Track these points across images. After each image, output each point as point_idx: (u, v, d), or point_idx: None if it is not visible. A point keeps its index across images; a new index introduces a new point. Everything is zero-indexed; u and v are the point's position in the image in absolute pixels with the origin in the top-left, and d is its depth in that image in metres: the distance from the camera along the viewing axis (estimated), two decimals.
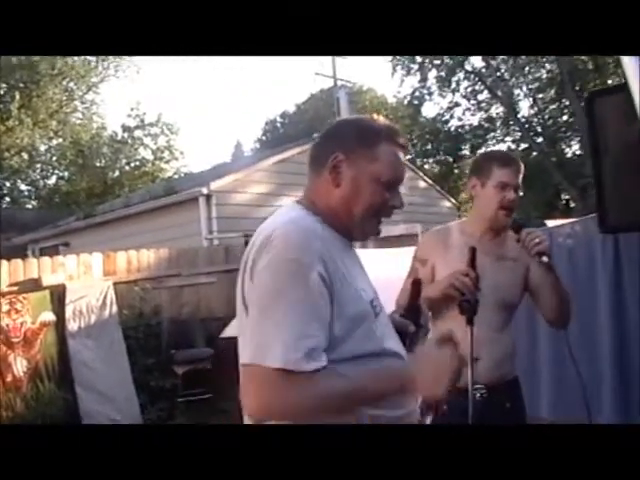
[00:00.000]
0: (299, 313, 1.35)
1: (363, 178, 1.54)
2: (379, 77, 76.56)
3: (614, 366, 3.73)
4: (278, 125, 38.10)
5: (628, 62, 1.33)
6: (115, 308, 6.40)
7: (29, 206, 25.58)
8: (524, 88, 23.46)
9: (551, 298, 2.50)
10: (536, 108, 23.38)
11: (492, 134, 25.17)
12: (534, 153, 22.21)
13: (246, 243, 6.34)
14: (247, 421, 1.45)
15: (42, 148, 23.47)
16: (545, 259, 2.35)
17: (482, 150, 25.08)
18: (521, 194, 2.57)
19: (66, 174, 24.57)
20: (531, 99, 23.37)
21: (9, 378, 5.52)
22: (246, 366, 1.37)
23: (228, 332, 6.84)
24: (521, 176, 2.56)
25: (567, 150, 22.96)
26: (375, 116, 1.64)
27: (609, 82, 19.28)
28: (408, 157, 22.70)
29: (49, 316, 5.87)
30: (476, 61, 23.45)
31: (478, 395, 2.34)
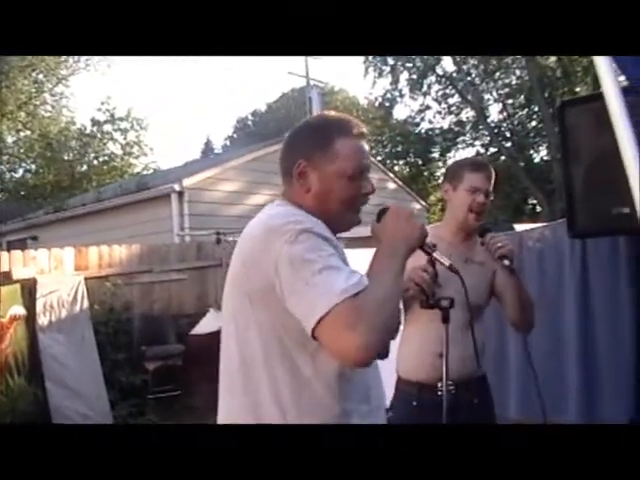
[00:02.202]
0: (334, 260, 1.41)
1: (329, 178, 1.59)
2: (351, 78, 76.68)
3: (580, 368, 3.83)
4: (249, 123, 38.00)
5: (601, 62, 1.39)
6: (86, 303, 6.36)
7: None
8: (494, 93, 23.78)
9: (514, 302, 2.57)
10: (505, 113, 23.70)
11: (462, 138, 25.45)
12: (502, 158, 22.49)
13: (218, 241, 6.36)
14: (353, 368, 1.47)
15: (9, 140, 23.06)
16: (507, 262, 2.44)
17: (452, 153, 25.40)
18: (492, 199, 2.66)
19: (33, 167, 24.17)
20: (501, 104, 23.69)
21: None
22: (322, 322, 1.33)
23: (199, 329, 6.86)
24: (492, 182, 2.65)
25: (535, 155, 23.33)
26: (326, 112, 1.71)
27: (577, 89, 19.64)
28: (379, 158, 22.83)
29: (19, 310, 5.79)
30: (447, 65, 23.71)
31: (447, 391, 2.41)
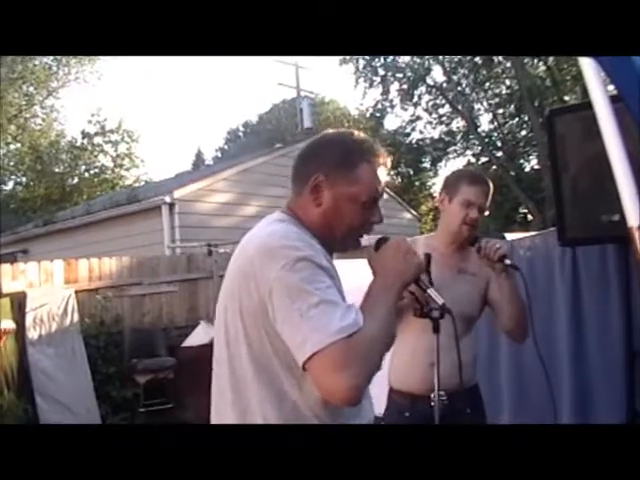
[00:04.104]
0: (331, 294, 1.39)
1: (343, 199, 1.58)
2: (342, 89, 76.99)
3: (572, 376, 3.83)
4: (240, 135, 38.04)
5: (587, 64, 1.38)
6: (76, 316, 6.34)
7: None
8: (484, 103, 23.88)
9: (510, 307, 2.56)
10: (496, 123, 23.81)
11: (452, 147, 25.55)
12: (493, 167, 22.58)
13: (209, 252, 6.34)
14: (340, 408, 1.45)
15: None
16: (508, 261, 2.46)
17: (442, 163, 25.49)
18: (486, 214, 2.66)
19: (24, 180, 24.11)
20: (491, 114, 23.80)
21: None
22: (314, 357, 1.32)
23: (190, 341, 6.84)
24: (488, 197, 2.64)
25: (525, 164, 23.43)
26: (356, 133, 1.67)
27: (566, 98, 19.76)
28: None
29: (9, 324, 5.77)
30: (438, 75, 23.83)
31: (440, 402, 2.41)
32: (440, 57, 21.46)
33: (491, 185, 2.67)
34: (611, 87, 1.51)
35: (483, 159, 24.25)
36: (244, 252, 1.52)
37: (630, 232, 1.28)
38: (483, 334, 4.00)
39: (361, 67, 24.12)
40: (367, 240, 1.63)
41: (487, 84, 23.23)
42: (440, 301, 1.69)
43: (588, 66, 1.36)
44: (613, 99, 1.43)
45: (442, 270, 2.41)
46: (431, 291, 1.68)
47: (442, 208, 2.70)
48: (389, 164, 1.66)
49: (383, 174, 1.64)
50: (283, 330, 1.39)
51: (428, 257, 1.81)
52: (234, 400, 1.50)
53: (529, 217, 21.75)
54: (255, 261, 1.45)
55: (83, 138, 24.69)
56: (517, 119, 23.19)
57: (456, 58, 21.67)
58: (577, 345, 3.85)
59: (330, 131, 1.74)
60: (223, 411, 1.54)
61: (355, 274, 1.77)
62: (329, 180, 1.58)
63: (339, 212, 1.58)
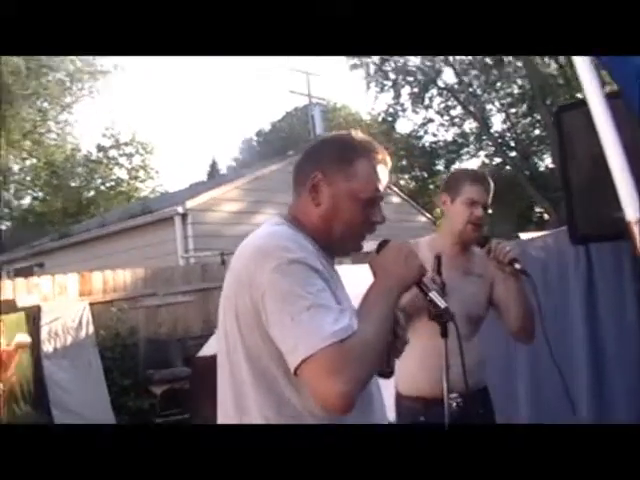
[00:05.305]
0: (324, 298, 1.37)
1: (342, 197, 1.55)
2: (353, 94, 77.09)
3: (588, 376, 3.77)
4: (254, 144, 38.14)
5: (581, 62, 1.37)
6: (91, 329, 6.36)
7: (2, 227, 25.28)
8: (496, 103, 23.78)
9: (518, 309, 2.55)
10: (508, 123, 23.69)
11: (466, 149, 25.44)
12: (507, 167, 22.46)
13: (223, 262, 6.37)
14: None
15: (15, 168, 23.24)
16: (518, 265, 2.43)
17: (456, 165, 25.37)
18: (490, 212, 2.64)
19: (40, 194, 24.32)
20: (503, 114, 23.69)
21: None
22: (306, 362, 1.30)
23: (205, 351, 6.83)
24: (491, 194, 2.62)
25: (540, 163, 23.28)
26: (353, 132, 1.65)
27: (579, 96, 19.61)
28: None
29: (24, 338, 5.78)
30: (449, 77, 23.77)
31: (454, 404, 2.38)
32: (450, 59, 21.41)
33: (492, 182, 2.64)
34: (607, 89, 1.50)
35: (497, 159, 24.13)
36: (239, 257, 1.51)
37: (629, 227, 1.25)
38: (500, 334, 3.96)
39: (372, 72, 24.12)
40: (370, 246, 1.60)
41: (498, 84, 23.12)
42: (442, 305, 1.65)
43: (582, 63, 1.34)
44: (609, 96, 1.41)
45: (448, 272, 2.39)
46: (433, 295, 1.64)
47: (445, 209, 2.68)
48: (389, 162, 1.63)
49: (383, 172, 1.61)
50: (275, 334, 1.37)
51: (439, 258, 1.76)
52: (236, 405, 1.48)
53: (545, 216, 21.59)
54: (249, 265, 1.43)
55: (98, 151, 24.91)
56: (530, 118, 23.04)
57: (467, 60, 21.61)
58: (593, 345, 3.79)
59: (331, 134, 1.72)
60: (226, 417, 1.52)
61: (363, 279, 1.74)
62: (327, 178, 1.56)
63: (338, 210, 1.56)
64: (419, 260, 1.56)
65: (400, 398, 2.65)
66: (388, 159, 1.63)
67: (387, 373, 1.67)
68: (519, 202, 21.41)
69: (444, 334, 2.15)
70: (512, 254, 2.43)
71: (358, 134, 1.64)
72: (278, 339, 1.37)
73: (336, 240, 1.58)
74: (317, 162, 1.59)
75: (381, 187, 1.60)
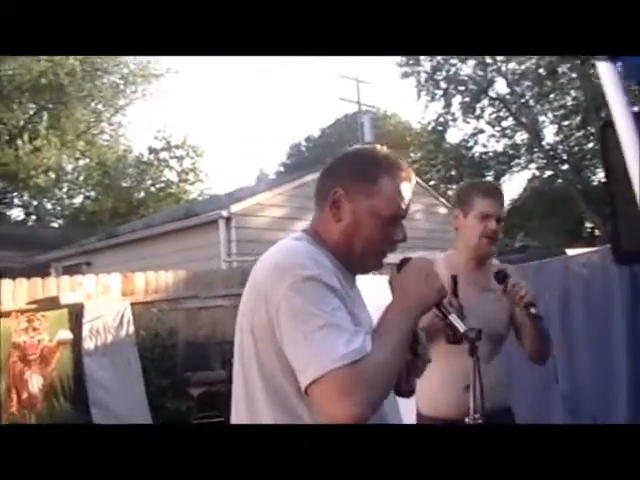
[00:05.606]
0: (338, 317, 1.35)
1: (363, 213, 1.52)
2: (404, 102, 76.90)
3: (630, 396, 3.66)
4: (303, 149, 38.29)
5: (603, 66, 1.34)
6: (132, 329, 6.44)
7: (55, 225, 25.91)
8: (549, 115, 23.36)
9: (533, 340, 2.51)
10: (561, 135, 23.24)
11: (516, 161, 25.02)
12: (559, 180, 22.05)
13: None
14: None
15: (69, 168, 23.81)
16: (534, 310, 2.36)
17: (506, 177, 25.02)
18: (502, 224, 2.59)
19: (92, 194, 24.86)
20: (556, 126, 23.26)
21: (25, 395, 5.56)
22: (316, 383, 1.29)
23: None
24: (504, 207, 2.59)
25: (592, 177, 22.75)
26: (378, 147, 1.62)
27: (635, 109, 19.13)
28: (431, 183, 22.71)
29: (66, 334, 5.91)
30: (501, 87, 23.46)
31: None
32: (503, 69, 21.15)
33: (504, 193, 2.59)
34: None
35: (548, 172, 23.70)
36: (257, 272, 1.49)
37: None
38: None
39: (423, 80, 24.00)
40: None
41: (552, 95, 22.71)
42: (462, 328, 1.59)
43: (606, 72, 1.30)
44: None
45: (465, 289, 2.31)
46: (453, 317, 1.59)
47: (457, 224, 2.62)
48: (413, 179, 1.59)
49: (407, 190, 1.57)
50: (288, 352, 1.35)
51: (454, 279, 1.71)
52: (249, 415, 1.47)
53: (596, 232, 21.12)
54: (265, 281, 1.42)
55: (150, 153, 25.32)
56: (583, 131, 22.55)
57: (519, 70, 21.31)
58: (636, 364, 3.68)
59: (353, 147, 1.70)
60: (239, 418, 1.51)
61: (384, 291, 1.70)
62: (349, 194, 1.53)
63: (359, 227, 1.52)
64: (440, 281, 1.51)
65: (420, 418, 2.59)
66: (412, 176, 1.60)
67: (407, 392, 1.63)
68: (570, 216, 21.00)
69: (472, 353, 2.10)
70: (528, 298, 2.35)
71: (382, 149, 1.61)
72: (291, 357, 1.35)
73: (356, 257, 1.55)
74: (339, 177, 1.57)
75: (403, 205, 1.56)
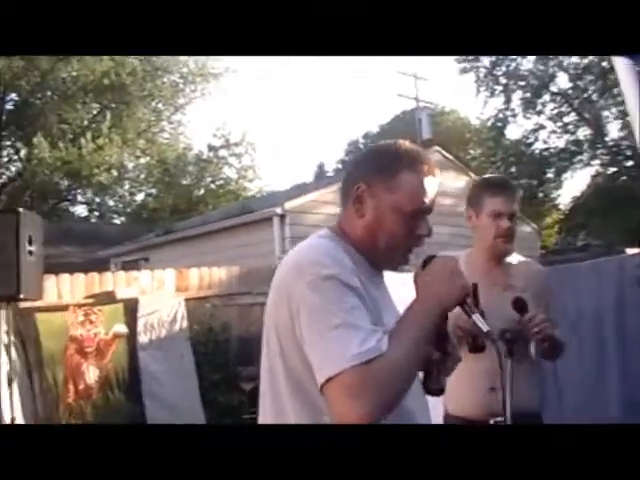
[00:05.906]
0: (355, 316, 1.36)
1: (385, 209, 1.53)
2: (462, 98, 75.89)
3: None
4: (361, 146, 38.22)
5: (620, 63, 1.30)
6: (185, 324, 6.55)
7: (117, 221, 26.54)
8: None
9: (543, 353, 2.51)
10: (626, 131, 22.56)
11: (579, 157, 24.41)
12: (623, 177, 21.44)
13: None
14: None
15: (130, 166, 24.32)
16: (545, 345, 2.38)
17: (568, 174, 24.42)
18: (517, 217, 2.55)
19: (153, 191, 25.34)
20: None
21: (81, 386, 5.72)
22: (329, 382, 1.31)
23: None
24: (517, 202, 2.52)
25: None
26: (400, 142, 1.61)
27: None
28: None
29: (121, 328, 6.05)
30: (562, 82, 22.93)
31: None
32: (565, 63, 20.68)
33: (516, 187, 2.53)
34: None
35: (612, 169, 23.05)
36: (281, 268, 1.52)
37: None
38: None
39: (482, 76, 23.66)
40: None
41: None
42: (485, 328, 1.57)
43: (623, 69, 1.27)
44: None
45: (487, 289, 2.27)
46: (476, 317, 1.57)
47: (472, 225, 2.60)
48: (437, 173, 1.58)
49: (430, 184, 1.56)
50: (306, 349, 1.38)
51: (475, 287, 1.69)
52: (274, 416, 1.50)
53: None
54: (286, 278, 1.45)
55: (209, 151, 25.59)
56: None
57: (582, 64, 20.79)
58: None
59: (378, 143, 1.70)
60: (265, 414, 1.55)
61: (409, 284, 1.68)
62: (371, 189, 1.54)
63: (381, 223, 1.53)
64: (463, 279, 1.48)
65: (447, 417, 2.58)
66: (436, 170, 1.58)
67: (436, 391, 1.62)
68: (634, 215, 20.37)
69: (511, 352, 2.08)
70: (544, 334, 2.33)
71: (405, 143, 1.61)
72: (309, 354, 1.37)
73: (381, 253, 1.56)
74: (362, 172, 1.58)
75: (427, 199, 1.55)
